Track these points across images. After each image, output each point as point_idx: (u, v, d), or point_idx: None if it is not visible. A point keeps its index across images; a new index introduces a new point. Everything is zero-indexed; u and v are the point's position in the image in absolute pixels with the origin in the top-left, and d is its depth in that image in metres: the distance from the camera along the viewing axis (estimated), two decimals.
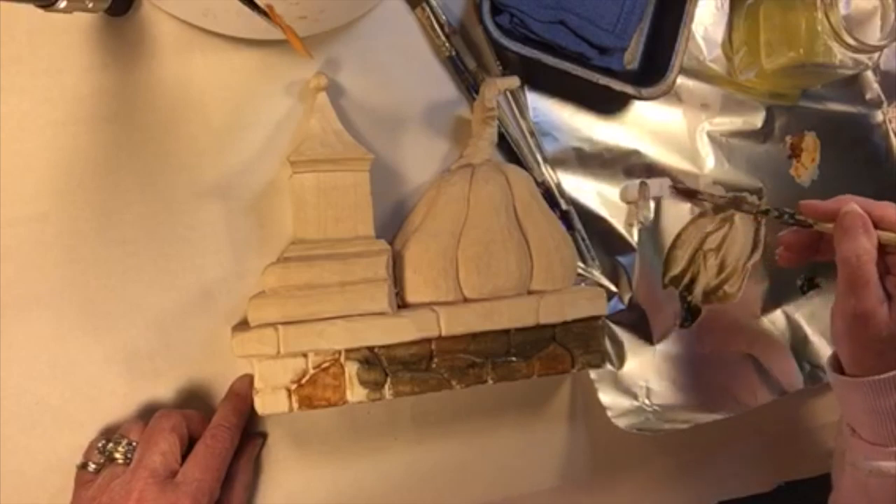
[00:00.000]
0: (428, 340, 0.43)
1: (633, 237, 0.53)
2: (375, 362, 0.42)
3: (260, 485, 0.46)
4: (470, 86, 0.49)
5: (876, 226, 0.41)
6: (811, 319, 0.59)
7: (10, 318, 0.42)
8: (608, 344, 0.51)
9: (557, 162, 0.51)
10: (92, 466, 0.42)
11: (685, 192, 0.44)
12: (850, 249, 0.41)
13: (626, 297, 0.53)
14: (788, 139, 0.58)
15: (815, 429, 0.59)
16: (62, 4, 0.36)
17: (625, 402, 0.51)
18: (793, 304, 0.58)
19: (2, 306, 0.42)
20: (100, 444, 0.41)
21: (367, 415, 0.48)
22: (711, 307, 0.56)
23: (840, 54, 0.50)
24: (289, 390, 0.41)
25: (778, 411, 0.57)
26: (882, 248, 0.41)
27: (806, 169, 0.58)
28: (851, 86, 0.59)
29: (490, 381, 0.44)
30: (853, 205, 0.42)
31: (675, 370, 0.54)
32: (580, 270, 0.51)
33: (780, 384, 0.56)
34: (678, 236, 0.54)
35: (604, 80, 0.49)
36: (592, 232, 0.52)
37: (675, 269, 0.55)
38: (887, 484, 0.40)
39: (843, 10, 0.49)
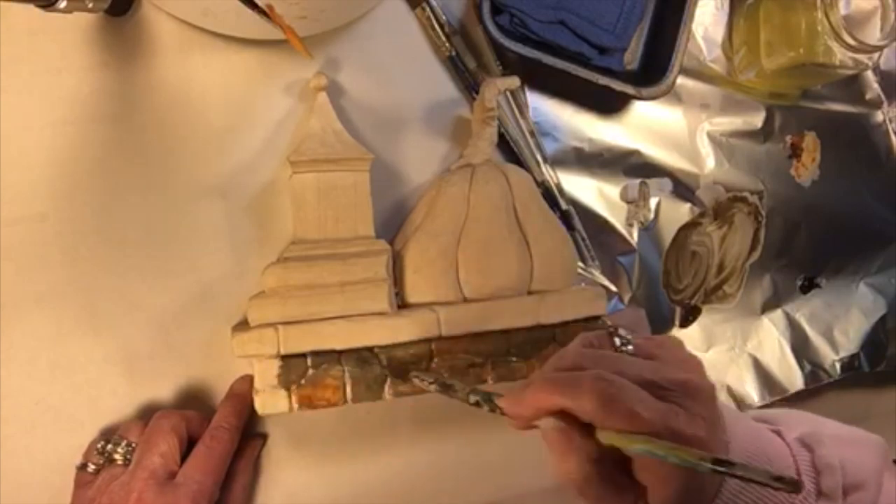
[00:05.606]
0: (428, 340, 0.43)
1: (633, 237, 0.53)
2: (375, 362, 0.42)
3: (260, 485, 0.46)
4: (470, 86, 0.49)
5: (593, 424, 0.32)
6: (811, 319, 0.59)
7: (10, 318, 0.42)
8: None
9: (557, 162, 0.51)
10: (91, 467, 0.41)
11: (443, 385, 0.39)
12: (556, 474, 0.34)
13: (626, 297, 0.53)
14: (788, 139, 0.58)
15: None
16: (62, 4, 0.36)
17: None
18: (793, 304, 0.58)
19: (2, 306, 0.42)
20: (99, 445, 0.41)
21: (367, 415, 0.48)
22: (711, 307, 0.56)
23: (840, 54, 0.50)
24: (289, 390, 0.41)
25: None
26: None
27: (806, 169, 0.58)
28: (851, 86, 0.59)
29: (490, 381, 0.44)
30: (550, 421, 0.33)
31: None
32: (580, 270, 0.51)
33: (780, 384, 0.57)
34: (678, 236, 0.55)
35: (604, 80, 0.49)
36: (592, 232, 0.52)
37: (674, 271, 0.55)
38: None
39: (843, 10, 0.49)
